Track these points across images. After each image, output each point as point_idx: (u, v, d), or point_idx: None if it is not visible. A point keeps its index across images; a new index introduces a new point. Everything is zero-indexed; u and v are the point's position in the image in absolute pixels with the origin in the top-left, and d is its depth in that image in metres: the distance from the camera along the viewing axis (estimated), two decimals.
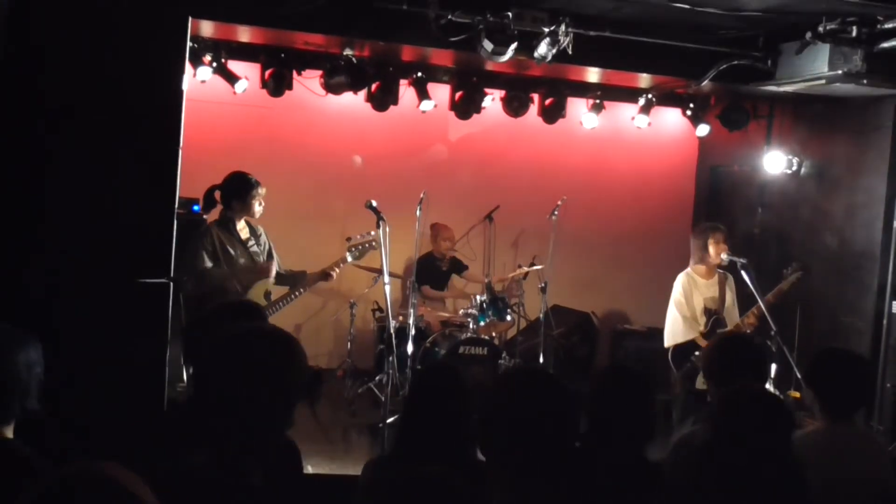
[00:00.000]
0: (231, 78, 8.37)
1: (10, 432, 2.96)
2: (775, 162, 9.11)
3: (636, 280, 10.18)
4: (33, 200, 5.08)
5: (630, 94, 9.42)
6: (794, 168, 9.06)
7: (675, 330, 7.25)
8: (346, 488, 4.02)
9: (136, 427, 4.29)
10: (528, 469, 2.52)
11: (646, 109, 9.33)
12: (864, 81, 7.13)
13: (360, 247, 7.22)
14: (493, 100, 9.25)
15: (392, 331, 7.56)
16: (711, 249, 7.23)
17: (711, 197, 10.52)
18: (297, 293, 7.03)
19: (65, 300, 5.09)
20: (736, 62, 7.69)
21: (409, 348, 7.85)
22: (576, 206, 9.31)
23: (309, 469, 6.67)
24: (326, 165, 9.57)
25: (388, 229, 7.21)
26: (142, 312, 5.26)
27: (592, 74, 8.64)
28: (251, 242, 6.89)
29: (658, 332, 7.62)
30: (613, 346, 9.89)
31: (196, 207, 8.00)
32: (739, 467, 2.90)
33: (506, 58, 7.03)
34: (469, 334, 8.22)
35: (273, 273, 6.78)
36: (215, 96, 8.71)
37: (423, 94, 8.79)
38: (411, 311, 8.01)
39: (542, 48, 6.93)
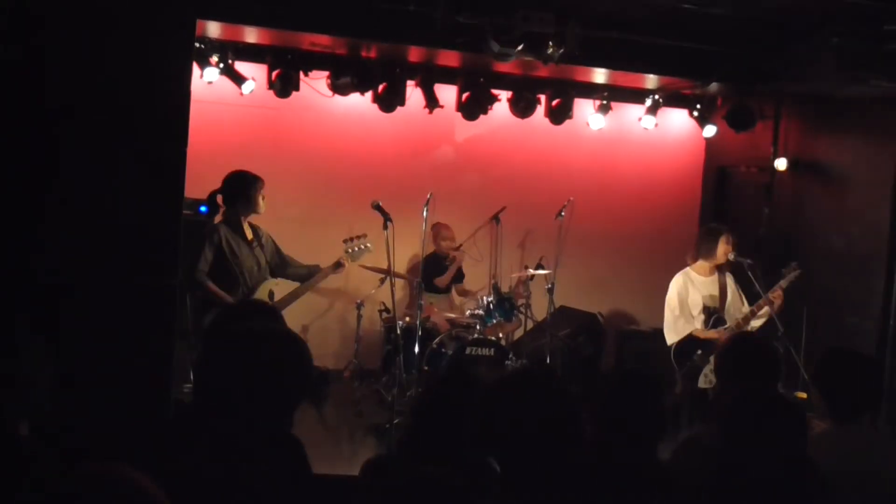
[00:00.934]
0: (238, 79, 8.38)
1: (24, 429, 2.97)
2: (782, 163, 9.10)
3: (643, 281, 10.16)
4: (37, 201, 5.08)
5: (637, 95, 9.42)
6: (801, 169, 9.05)
7: (668, 328, 7.33)
8: (353, 490, 4.02)
9: (141, 428, 4.30)
10: (530, 471, 2.52)
11: (652, 110, 9.32)
12: (871, 82, 7.12)
13: (355, 248, 7.26)
14: (499, 101, 9.24)
15: (399, 331, 7.56)
16: (720, 249, 7.24)
17: (718, 198, 10.50)
18: (301, 292, 7.07)
19: (69, 301, 5.09)
20: (742, 63, 7.68)
21: (416, 349, 7.85)
22: (582, 206, 9.31)
23: (315, 470, 6.67)
24: (333, 166, 9.57)
25: (394, 230, 7.22)
26: (147, 314, 5.26)
27: (599, 75, 8.63)
28: (255, 244, 6.92)
29: (664, 333, 7.63)
30: (620, 347, 9.88)
31: (203, 208, 8.02)
32: (750, 469, 2.89)
33: (513, 59, 7.03)
34: (476, 335, 8.22)
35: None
36: (222, 97, 8.72)
37: (429, 95, 8.78)
38: (418, 311, 8.01)
39: (549, 49, 6.93)
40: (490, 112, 9.25)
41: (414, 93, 8.85)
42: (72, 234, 5.12)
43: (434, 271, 9.00)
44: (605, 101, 9.49)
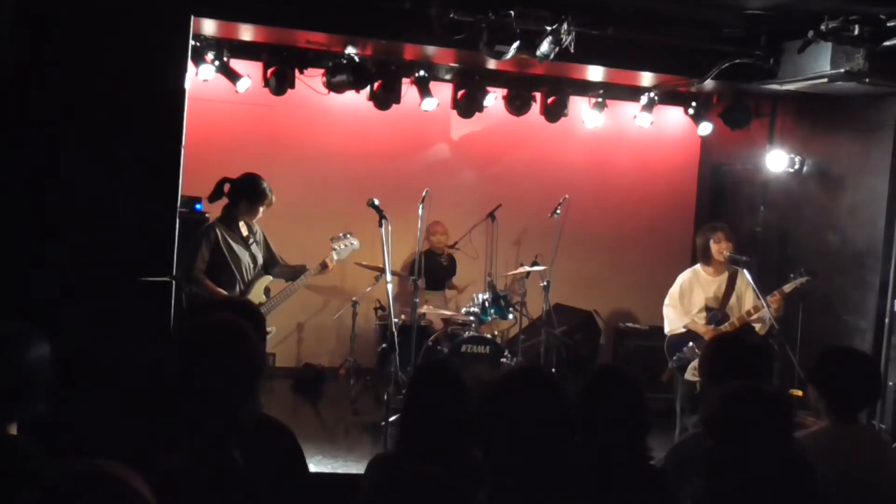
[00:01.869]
0: (233, 76, 8.37)
1: (13, 429, 2.96)
2: (777, 161, 9.11)
3: (638, 278, 10.18)
4: (35, 200, 5.08)
5: (632, 93, 9.41)
6: (797, 167, 9.06)
7: (668, 318, 7.44)
8: (349, 487, 4.03)
9: (137, 426, 4.30)
10: (527, 470, 2.51)
11: (648, 108, 9.32)
12: (867, 80, 7.12)
13: (341, 245, 7.27)
14: (495, 98, 9.24)
15: (394, 329, 7.56)
16: (713, 249, 7.27)
17: (714, 196, 10.51)
18: (294, 288, 7.08)
19: (66, 299, 5.09)
20: (738, 61, 7.68)
21: (412, 347, 7.85)
22: (578, 204, 9.31)
23: (311, 468, 6.67)
24: (329, 164, 9.57)
25: (390, 227, 7.22)
26: (143, 311, 5.26)
27: (595, 73, 8.63)
28: (251, 240, 6.92)
29: (660, 331, 7.64)
30: (616, 345, 9.89)
31: (198, 206, 8.02)
32: (738, 467, 2.89)
33: (508, 56, 7.03)
34: (471, 333, 8.22)
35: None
36: (217, 95, 8.71)
37: (425, 93, 8.78)
38: (413, 309, 8.00)
39: (545, 47, 6.92)
40: (485, 110, 9.25)
41: (409, 90, 8.84)
42: (69, 231, 5.13)
43: (428, 268, 8.99)
44: (600, 99, 9.49)
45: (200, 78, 8.11)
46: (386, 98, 8.74)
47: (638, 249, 10.34)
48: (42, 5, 5.09)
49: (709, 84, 8.64)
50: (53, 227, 5.12)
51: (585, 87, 9.39)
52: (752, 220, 9.67)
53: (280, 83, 8.40)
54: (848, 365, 4.00)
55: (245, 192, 6.83)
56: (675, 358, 7.21)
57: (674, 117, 10.21)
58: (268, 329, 5.01)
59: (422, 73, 8.75)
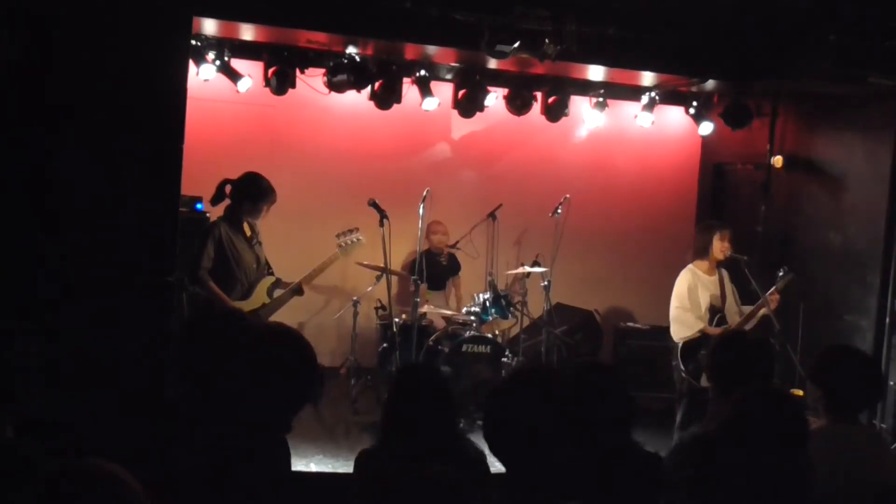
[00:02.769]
0: (234, 76, 8.36)
1: (9, 431, 2.96)
2: (778, 160, 9.11)
3: (639, 278, 10.17)
4: (35, 200, 5.08)
5: (633, 93, 9.41)
6: (797, 166, 9.06)
7: (677, 321, 7.29)
8: (349, 486, 4.02)
9: (135, 426, 4.30)
10: (543, 469, 2.52)
11: (649, 107, 9.31)
12: (868, 80, 7.12)
13: (347, 241, 7.28)
14: (496, 98, 9.23)
15: (395, 329, 7.56)
16: (716, 246, 7.26)
17: (714, 195, 10.51)
18: (287, 297, 7.08)
19: (66, 299, 5.09)
20: (739, 60, 7.68)
21: (413, 346, 7.85)
22: (579, 204, 9.31)
23: (312, 467, 6.69)
24: (329, 163, 9.56)
25: (390, 227, 7.22)
26: (143, 311, 5.26)
27: (596, 73, 8.62)
28: (254, 241, 6.92)
29: (661, 330, 7.64)
30: (616, 345, 9.87)
31: (199, 206, 8.02)
32: (750, 469, 2.89)
33: (509, 56, 7.03)
34: (472, 332, 8.22)
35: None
36: (218, 95, 8.70)
37: (426, 93, 8.78)
38: (414, 309, 8.00)
39: (546, 46, 6.92)
40: (486, 109, 9.25)
41: (410, 90, 8.84)
42: (69, 231, 5.13)
43: (428, 268, 8.98)
44: (601, 99, 9.49)
45: (201, 78, 8.10)
46: (387, 98, 8.73)
47: (639, 249, 10.33)
48: (42, 5, 5.09)
49: (709, 84, 8.65)
50: (53, 227, 5.11)
51: (586, 87, 9.39)
52: (752, 219, 9.65)
53: (281, 83, 8.39)
54: (849, 365, 4.00)
55: (247, 192, 6.83)
56: (690, 367, 7.15)
57: (674, 117, 10.20)
58: None
59: (423, 72, 8.75)
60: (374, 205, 7.24)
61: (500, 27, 6.87)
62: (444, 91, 9.09)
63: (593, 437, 3.36)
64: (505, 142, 10.07)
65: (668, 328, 7.42)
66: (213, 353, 3.05)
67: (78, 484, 1.83)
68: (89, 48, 5.13)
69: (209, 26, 7.65)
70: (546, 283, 8.80)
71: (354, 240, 7.35)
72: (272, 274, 7.12)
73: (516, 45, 6.89)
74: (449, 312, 8.83)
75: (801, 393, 7.30)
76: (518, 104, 9.23)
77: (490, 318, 8.45)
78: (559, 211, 8.99)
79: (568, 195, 9.02)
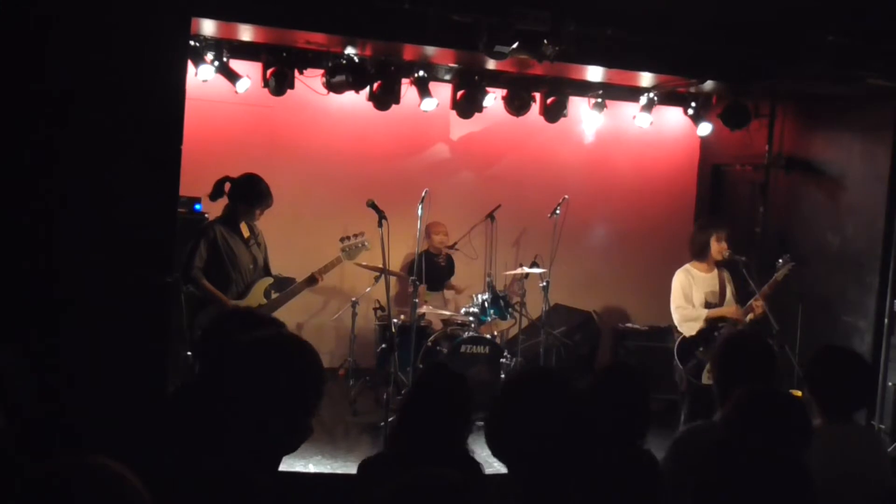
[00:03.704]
0: (233, 77, 8.37)
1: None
2: (776, 161, 9.11)
3: (638, 279, 10.18)
4: (34, 200, 5.07)
5: (632, 93, 9.41)
6: (796, 167, 9.06)
7: (685, 320, 7.33)
8: (348, 487, 4.02)
9: (136, 426, 4.30)
10: (545, 471, 2.52)
11: (647, 108, 9.32)
12: (866, 81, 7.12)
13: (352, 247, 7.29)
14: (494, 99, 9.24)
15: (394, 329, 7.55)
16: (713, 247, 7.27)
17: (713, 196, 10.52)
18: (295, 291, 7.08)
19: (65, 299, 5.08)
20: (738, 61, 7.68)
21: (411, 347, 7.85)
22: (577, 204, 9.32)
23: (311, 468, 6.68)
24: (328, 164, 9.57)
25: (389, 228, 7.22)
26: (143, 311, 5.25)
27: (594, 73, 8.63)
28: (251, 241, 6.92)
29: (659, 331, 7.65)
30: (615, 345, 9.88)
31: (198, 206, 8.02)
32: (752, 467, 2.89)
33: (507, 57, 7.03)
34: (471, 333, 8.22)
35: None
36: (217, 95, 8.71)
37: (424, 93, 8.78)
38: (413, 309, 8.00)
39: (544, 47, 6.92)
40: (485, 110, 9.25)
41: (409, 91, 8.84)
42: (68, 231, 5.12)
43: (426, 269, 8.98)
44: (599, 99, 9.49)
45: (200, 78, 8.10)
46: (385, 98, 8.73)
47: (637, 250, 10.34)
48: (41, 5, 5.09)
49: (708, 85, 8.65)
50: (52, 227, 5.11)
51: (585, 88, 9.40)
52: (751, 220, 9.66)
53: (279, 83, 8.39)
54: (838, 365, 4.01)
55: (243, 193, 6.83)
56: (689, 364, 7.17)
57: (673, 118, 10.21)
58: None
59: (421, 73, 8.75)
60: (372, 205, 7.24)
61: (499, 28, 6.86)
62: (442, 92, 9.10)
63: (607, 442, 3.36)
64: (503, 143, 10.07)
65: (666, 329, 7.47)
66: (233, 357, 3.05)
67: (77, 483, 1.83)
68: (87, 48, 5.12)
69: (208, 27, 7.65)
70: (545, 283, 8.80)
71: (359, 244, 7.35)
72: (270, 275, 7.11)
73: (515, 45, 6.89)
74: (447, 313, 8.83)
75: (799, 394, 7.31)
76: (516, 105, 9.23)
77: (489, 318, 8.45)
78: (558, 212, 8.99)
79: (567, 196, 9.03)
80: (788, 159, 9.16)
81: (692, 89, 9.12)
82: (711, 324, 7.20)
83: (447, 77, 9.14)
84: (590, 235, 10.17)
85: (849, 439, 3.91)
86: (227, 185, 6.86)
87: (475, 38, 6.96)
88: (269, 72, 8.42)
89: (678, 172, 10.70)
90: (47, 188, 5.09)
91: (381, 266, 7.40)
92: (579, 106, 9.72)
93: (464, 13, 6.89)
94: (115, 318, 5.12)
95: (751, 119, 9.27)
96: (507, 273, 9.49)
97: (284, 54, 8.34)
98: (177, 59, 5.49)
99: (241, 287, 6.83)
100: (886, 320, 7.83)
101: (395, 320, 7.84)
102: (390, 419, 7.10)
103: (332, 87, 8.41)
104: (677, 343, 7.28)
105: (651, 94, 9.27)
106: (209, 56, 8.12)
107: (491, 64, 8.28)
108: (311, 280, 7.10)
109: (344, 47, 8.04)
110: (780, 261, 7.36)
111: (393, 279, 8.86)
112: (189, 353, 6.65)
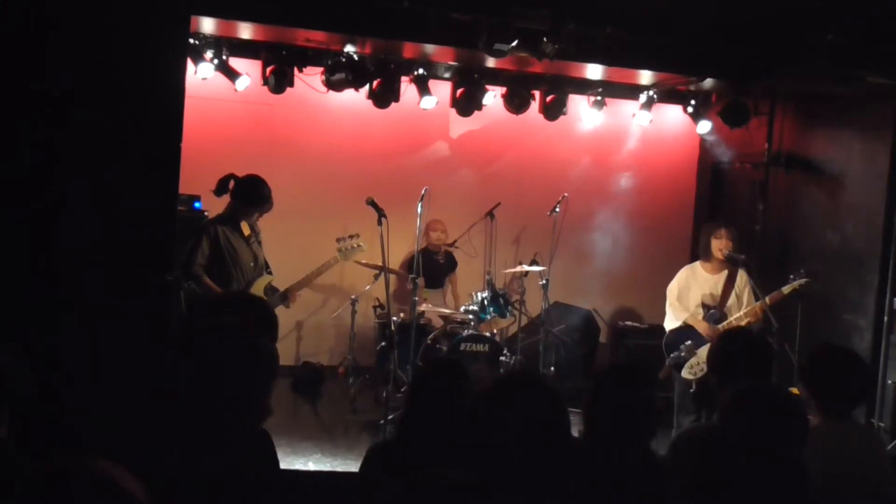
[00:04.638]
0: (232, 75, 8.37)
1: (3, 431, 2.97)
2: (775, 159, 9.12)
3: (637, 277, 10.18)
4: (34, 200, 5.07)
5: (631, 91, 9.42)
6: (796, 166, 9.06)
7: (667, 316, 7.47)
8: (348, 485, 4.03)
9: (136, 426, 4.30)
10: (521, 474, 2.52)
11: (647, 106, 9.32)
12: (866, 80, 7.12)
13: (347, 248, 7.31)
14: (494, 97, 9.24)
15: (393, 328, 7.56)
16: (713, 245, 7.30)
17: (713, 194, 10.51)
18: (281, 299, 7.07)
19: (65, 299, 5.08)
20: (737, 60, 7.69)
21: (411, 345, 7.85)
22: (577, 202, 9.32)
23: (310, 466, 6.69)
24: (328, 162, 9.57)
25: (388, 226, 7.22)
26: (143, 311, 5.25)
27: (594, 71, 8.63)
28: (252, 239, 6.93)
29: (659, 329, 7.65)
30: (615, 344, 9.89)
31: (197, 204, 8.02)
32: (749, 465, 2.90)
33: (507, 55, 7.03)
34: (470, 331, 8.22)
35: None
36: (216, 93, 8.71)
37: (424, 91, 8.78)
38: (412, 307, 8.01)
39: (544, 45, 6.92)
40: (484, 108, 9.25)
41: (408, 89, 8.84)
42: (68, 231, 5.12)
43: (426, 266, 8.99)
44: (599, 97, 9.49)
45: (199, 76, 8.11)
46: (385, 96, 8.74)
47: (637, 248, 10.34)
48: (41, 5, 5.08)
49: (708, 83, 8.65)
50: (52, 227, 5.11)
51: (584, 86, 9.40)
52: (750, 219, 9.66)
53: (279, 81, 8.40)
54: (834, 364, 4.03)
55: (245, 193, 6.84)
56: (672, 356, 7.24)
57: (673, 116, 10.21)
58: None
59: (421, 71, 8.75)
60: (372, 203, 7.24)
61: (499, 26, 6.87)
62: (442, 90, 9.10)
63: (604, 441, 3.37)
64: (503, 141, 10.07)
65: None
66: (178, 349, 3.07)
67: (77, 483, 1.83)
68: (87, 47, 5.12)
69: (207, 25, 7.65)
70: (544, 281, 8.80)
71: (354, 246, 7.37)
72: (270, 273, 7.12)
73: (514, 43, 6.89)
74: (447, 311, 8.83)
75: (797, 392, 7.31)
76: (516, 103, 9.23)
77: (488, 316, 8.45)
78: (557, 210, 8.98)
79: (566, 194, 9.02)
80: (788, 158, 9.16)
81: (692, 87, 9.12)
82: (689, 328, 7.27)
83: (447, 75, 9.14)
84: (589, 233, 10.17)
85: (847, 438, 3.92)
86: (232, 183, 6.88)
87: (475, 37, 6.97)
88: (268, 70, 8.43)
89: (677, 170, 10.69)
90: (47, 188, 5.09)
91: (380, 264, 7.42)
92: (579, 104, 9.71)
93: (463, 11, 6.90)
94: (115, 318, 5.12)
95: (750, 117, 9.27)
96: (507, 271, 9.49)
97: (284, 52, 8.35)
98: (176, 59, 5.49)
99: (242, 284, 6.84)
100: (886, 318, 7.84)
101: (394, 318, 7.85)
102: (390, 417, 7.11)
103: (332, 85, 8.41)
104: (666, 334, 7.36)
105: (651, 92, 9.27)
106: (209, 54, 8.12)
107: (490, 62, 8.28)
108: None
109: (343, 45, 8.04)
110: (792, 276, 7.29)
111: (393, 277, 8.86)
112: None
